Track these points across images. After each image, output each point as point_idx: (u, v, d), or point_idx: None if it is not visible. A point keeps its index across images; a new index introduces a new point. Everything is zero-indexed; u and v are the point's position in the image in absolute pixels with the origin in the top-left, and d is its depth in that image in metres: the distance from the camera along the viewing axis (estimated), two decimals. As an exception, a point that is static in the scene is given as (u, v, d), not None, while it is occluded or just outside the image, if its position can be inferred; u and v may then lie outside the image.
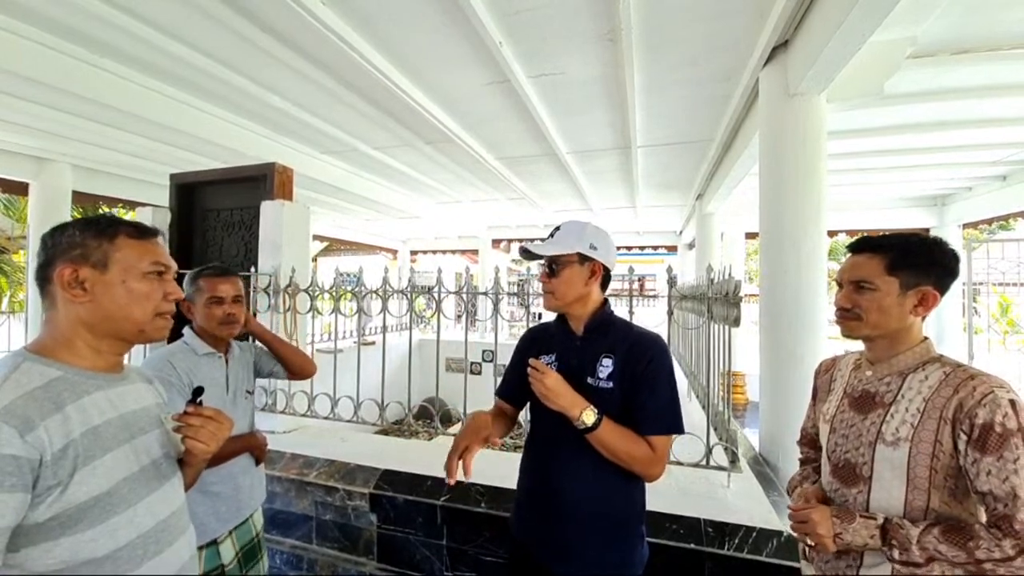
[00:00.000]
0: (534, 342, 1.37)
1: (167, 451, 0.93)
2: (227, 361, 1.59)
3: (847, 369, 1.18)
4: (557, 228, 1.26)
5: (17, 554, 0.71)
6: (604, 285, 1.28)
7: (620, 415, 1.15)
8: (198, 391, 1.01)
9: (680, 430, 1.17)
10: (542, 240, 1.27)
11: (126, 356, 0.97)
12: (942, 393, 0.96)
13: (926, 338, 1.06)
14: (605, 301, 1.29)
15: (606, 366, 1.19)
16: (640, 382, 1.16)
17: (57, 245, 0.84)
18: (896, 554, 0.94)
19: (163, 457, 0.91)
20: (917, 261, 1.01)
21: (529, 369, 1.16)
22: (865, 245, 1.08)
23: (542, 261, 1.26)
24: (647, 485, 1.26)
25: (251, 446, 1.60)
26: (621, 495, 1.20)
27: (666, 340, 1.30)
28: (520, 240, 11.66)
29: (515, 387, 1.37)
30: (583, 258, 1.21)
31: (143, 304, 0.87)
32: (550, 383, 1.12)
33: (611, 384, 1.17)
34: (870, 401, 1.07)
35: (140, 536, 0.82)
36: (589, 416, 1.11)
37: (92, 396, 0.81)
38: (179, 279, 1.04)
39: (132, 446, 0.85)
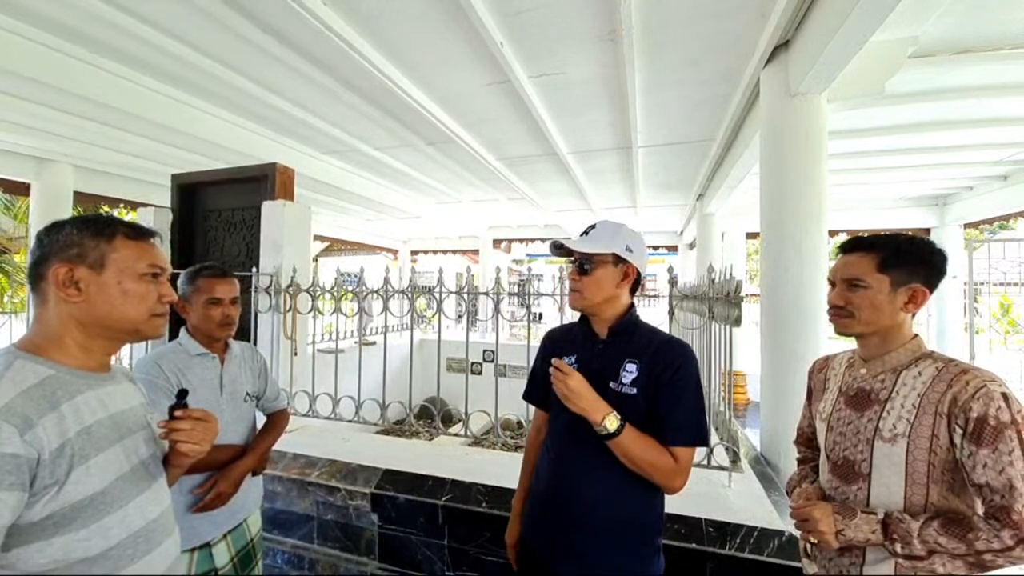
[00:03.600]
0: (556, 343, 1.35)
1: (153, 452, 0.93)
2: (222, 362, 1.56)
3: (841, 368, 1.19)
4: (592, 226, 1.23)
5: (8, 554, 0.71)
6: (633, 289, 1.25)
7: (643, 423, 1.12)
8: (182, 394, 1.00)
9: (705, 442, 1.15)
10: (568, 239, 1.23)
11: (117, 355, 0.96)
12: (936, 388, 0.98)
13: (916, 335, 1.07)
14: (631, 305, 1.25)
15: (630, 371, 1.15)
16: (666, 390, 1.12)
17: (53, 243, 0.83)
18: (898, 548, 0.96)
19: (150, 457, 0.91)
20: (907, 259, 1.04)
21: (551, 369, 1.14)
22: (856, 245, 1.10)
23: (571, 259, 1.23)
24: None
25: (246, 468, 1.50)
26: (639, 502, 1.17)
27: None
28: (521, 240, 11.67)
29: (544, 389, 1.32)
30: (618, 259, 1.19)
31: (138, 305, 0.86)
32: (573, 384, 1.10)
33: (635, 390, 1.14)
34: (866, 398, 1.08)
35: (131, 536, 0.82)
36: (612, 422, 1.08)
37: (84, 395, 0.81)
38: (173, 279, 1.03)
39: (122, 446, 0.85)
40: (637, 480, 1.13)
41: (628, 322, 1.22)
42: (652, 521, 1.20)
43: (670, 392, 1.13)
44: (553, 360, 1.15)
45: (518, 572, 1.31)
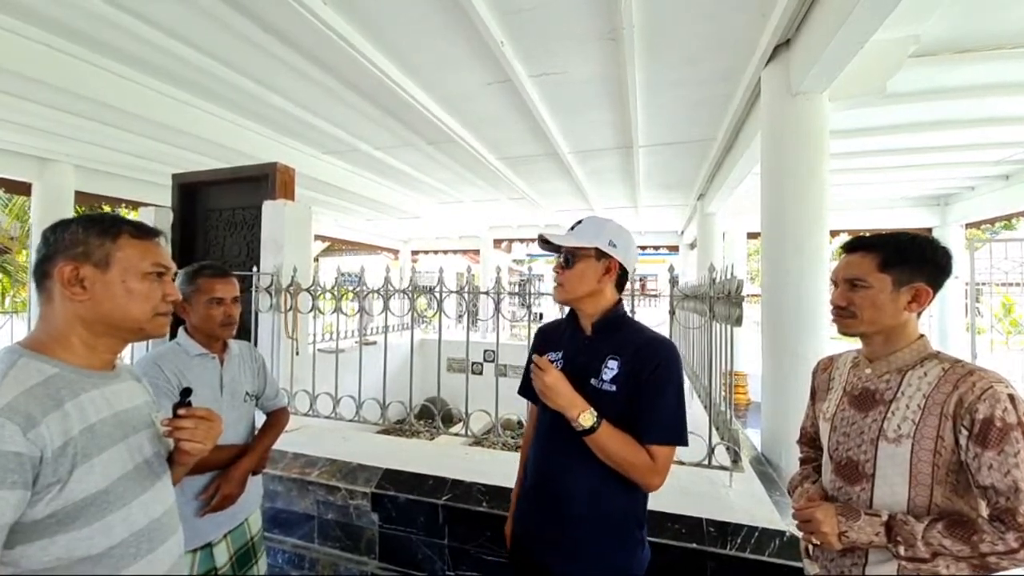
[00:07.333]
0: (545, 338, 1.37)
1: (158, 450, 0.93)
2: (222, 362, 1.55)
3: (845, 367, 1.19)
4: (579, 222, 1.24)
5: (12, 551, 0.71)
6: (620, 285, 1.25)
7: (622, 420, 1.12)
8: (186, 392, 1.00)
9: (683, 442, 1.13)
10: (563, 233, 1.25)
11: (122, 353, 0.96)
12: (942, 389, 0.97)
13: (922, 335, 1.07)
14: (619, 301, 1.25)
15: (611, 368, 1.16)
16: (645, 388, 1.12)
17: (59, 241, 0.83)
18: (901, 550, 0.95)
19: (154, 456, 0.91)
20: (909, 258, 1.03)
21: (532, 365, 1.16)
22: (858, 244, 1.10)
23: (558, 254, 1.25)
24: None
25: (247, 468, 1.50)
26: (621, 497, 1.18)
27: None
28: (521, 240, 11.66)
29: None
30: (600, 254, 1.19)
31: (142, 304, 0.86)
32: (549, 381, 1.11)
33: (614, 387, 1.14)
34: (870, 399, 1.07)
35: (134, 534, 0.82)
36: (587, 419, 1.08)
37: (89, 394, 0.81)
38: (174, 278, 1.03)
39: (126, 444, 0.85)
40: (618, 475, 1.13)
41: (614, 318, 1.22)
42: (635, 514, 1.21)
43: (649, 390, 1.12)
44: (533, 357, 1.18)
45: (510, 563, 1.32)
